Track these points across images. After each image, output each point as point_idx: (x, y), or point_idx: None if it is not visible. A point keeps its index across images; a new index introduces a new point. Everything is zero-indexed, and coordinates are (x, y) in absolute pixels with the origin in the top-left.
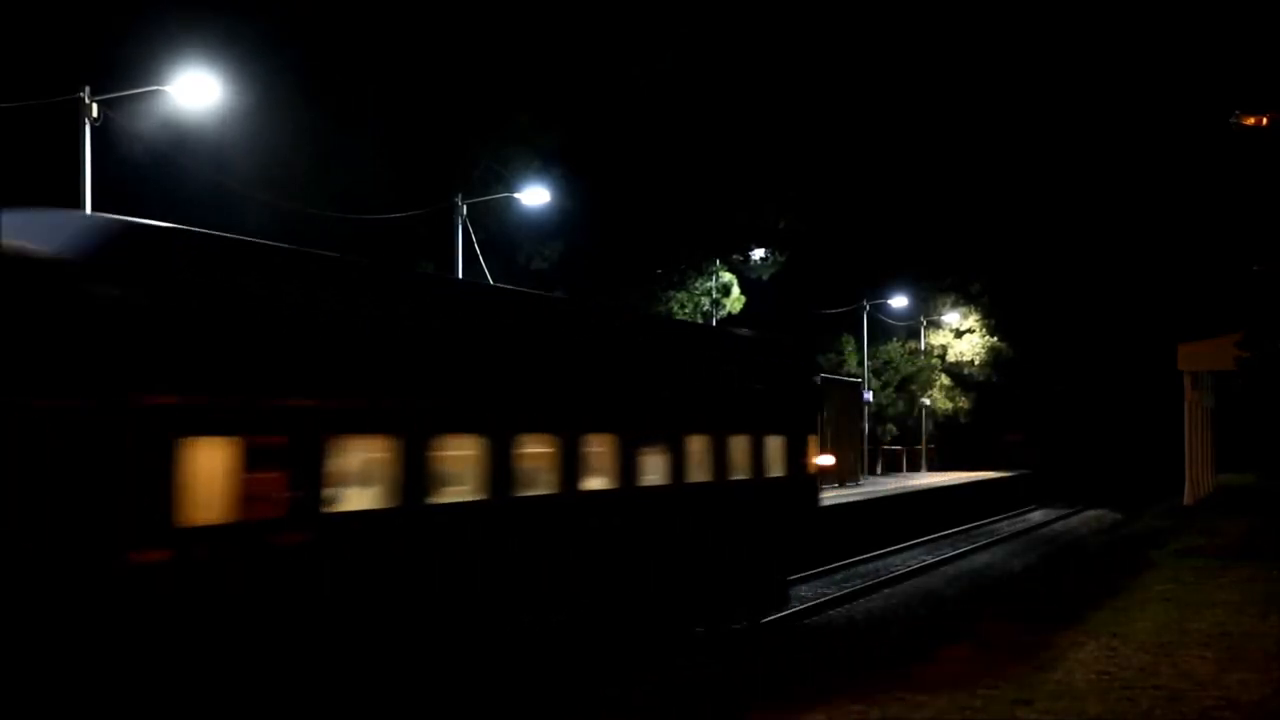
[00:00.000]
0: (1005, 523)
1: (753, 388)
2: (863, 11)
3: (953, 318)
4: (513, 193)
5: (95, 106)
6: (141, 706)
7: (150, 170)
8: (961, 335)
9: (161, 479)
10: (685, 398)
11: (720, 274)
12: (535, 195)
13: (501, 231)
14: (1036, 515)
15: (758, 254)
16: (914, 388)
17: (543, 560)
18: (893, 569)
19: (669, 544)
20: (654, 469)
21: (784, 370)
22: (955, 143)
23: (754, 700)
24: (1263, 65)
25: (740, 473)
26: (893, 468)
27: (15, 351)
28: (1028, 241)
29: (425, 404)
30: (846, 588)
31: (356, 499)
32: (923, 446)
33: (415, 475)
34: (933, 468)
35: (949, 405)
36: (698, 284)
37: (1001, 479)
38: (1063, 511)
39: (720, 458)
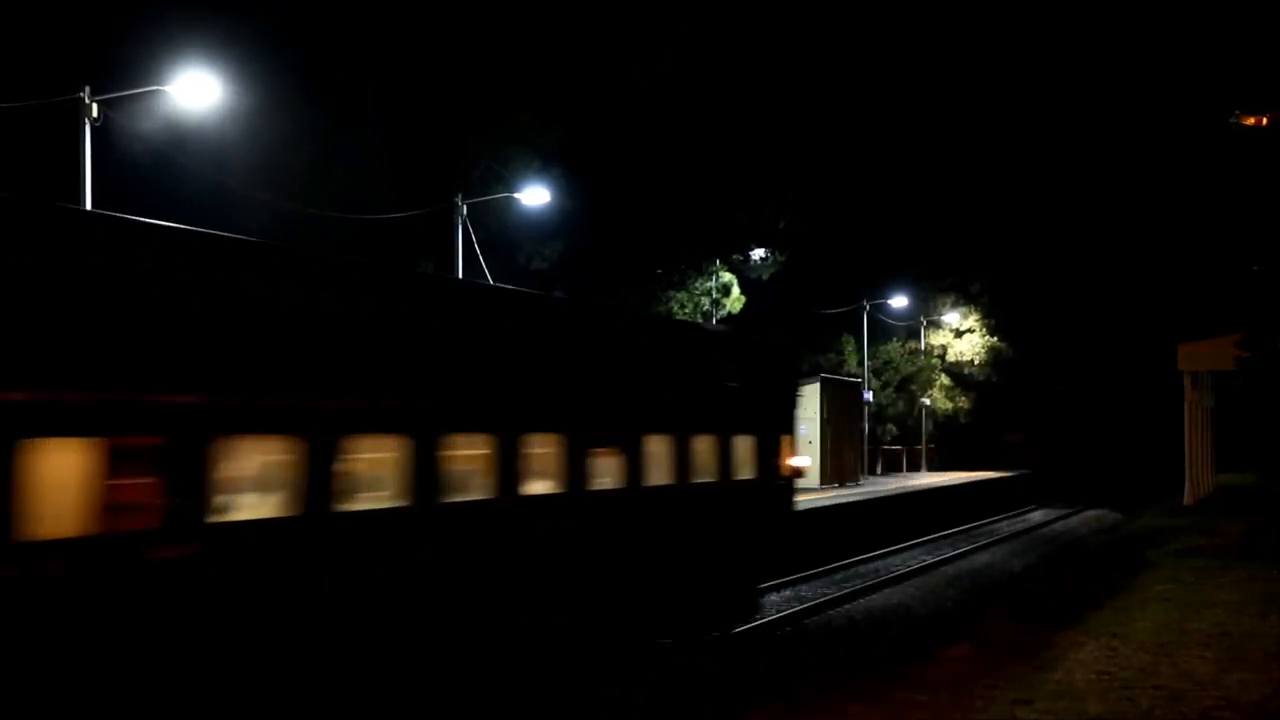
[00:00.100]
0: (1005, 523)
1: (722, 385)
2: (862, 12)
3: (953, 318)
4: (513, 193)
5: (95, 106)
6: None
7: (150, 170)
8: (961, 335)
9: None
10: (642, 395)
11: (720, 274)
12: (535, 195)
13: (501, 231)
14: (1036, 515)
15: (758, 254)
16: (914, 388)
17: (475, 572)
18: (893, 569)
19: (624, 552)
20: (606, 472)
21: (757, 367)
22: (954, 143)
23: (754, 700)
24: (1263, 65)
25: (705, 475)
26: (893, 468)
27: None
28: (1028, 241)
29: (331, 404)
30: (846, 587)
31: (252, 507)
32: (923, 446)
33: (321, 480)
34: (933, 468)
35: (949, 405)
36: (698, 284)
37: (1001, 479)
38: (1063, 511)
39: (682, 460)
